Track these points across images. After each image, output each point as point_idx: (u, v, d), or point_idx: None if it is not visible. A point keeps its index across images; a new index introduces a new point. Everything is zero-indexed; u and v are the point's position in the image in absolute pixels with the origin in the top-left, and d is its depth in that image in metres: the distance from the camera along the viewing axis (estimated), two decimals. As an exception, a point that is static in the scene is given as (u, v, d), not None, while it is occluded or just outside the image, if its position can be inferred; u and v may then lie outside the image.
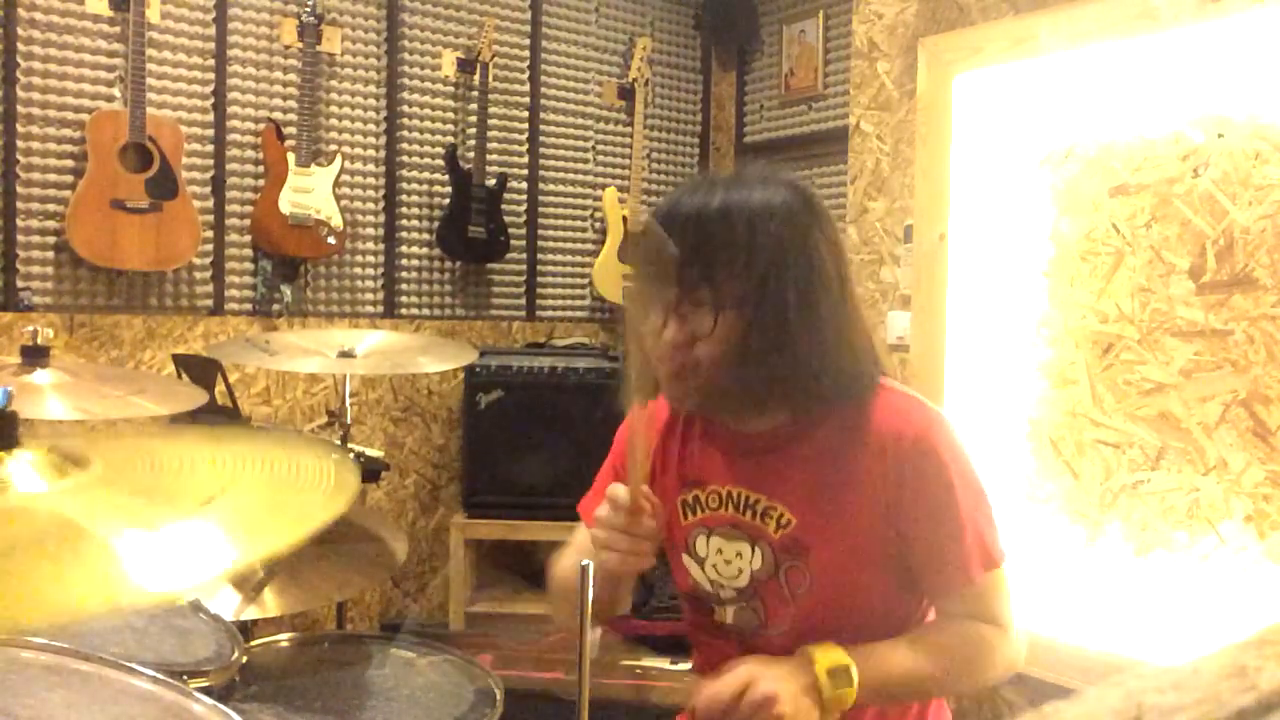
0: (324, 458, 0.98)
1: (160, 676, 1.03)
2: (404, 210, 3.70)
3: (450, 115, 3.78)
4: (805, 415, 1.27)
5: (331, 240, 3.41)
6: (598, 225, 4.12)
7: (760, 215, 1.18)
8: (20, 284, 3.05)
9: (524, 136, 3.93)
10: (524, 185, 3.94)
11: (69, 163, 3.09)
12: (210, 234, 3.31)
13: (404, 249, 3.71)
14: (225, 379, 2.93)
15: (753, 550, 1.29)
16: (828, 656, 1.17)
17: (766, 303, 1.18)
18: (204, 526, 0.84)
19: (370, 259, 3.65)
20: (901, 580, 1.27)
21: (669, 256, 1.18)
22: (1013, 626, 1.26)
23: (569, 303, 4.09)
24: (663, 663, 3.16)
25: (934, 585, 1.27)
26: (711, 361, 1.20)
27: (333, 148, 3.50)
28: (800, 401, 1.25)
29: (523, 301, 3.98)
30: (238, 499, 0.91)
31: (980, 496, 1.25)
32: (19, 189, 3.04)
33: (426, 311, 3.77)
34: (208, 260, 3.33)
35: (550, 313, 4.04)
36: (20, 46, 3.03)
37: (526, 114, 3.93)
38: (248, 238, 3.39)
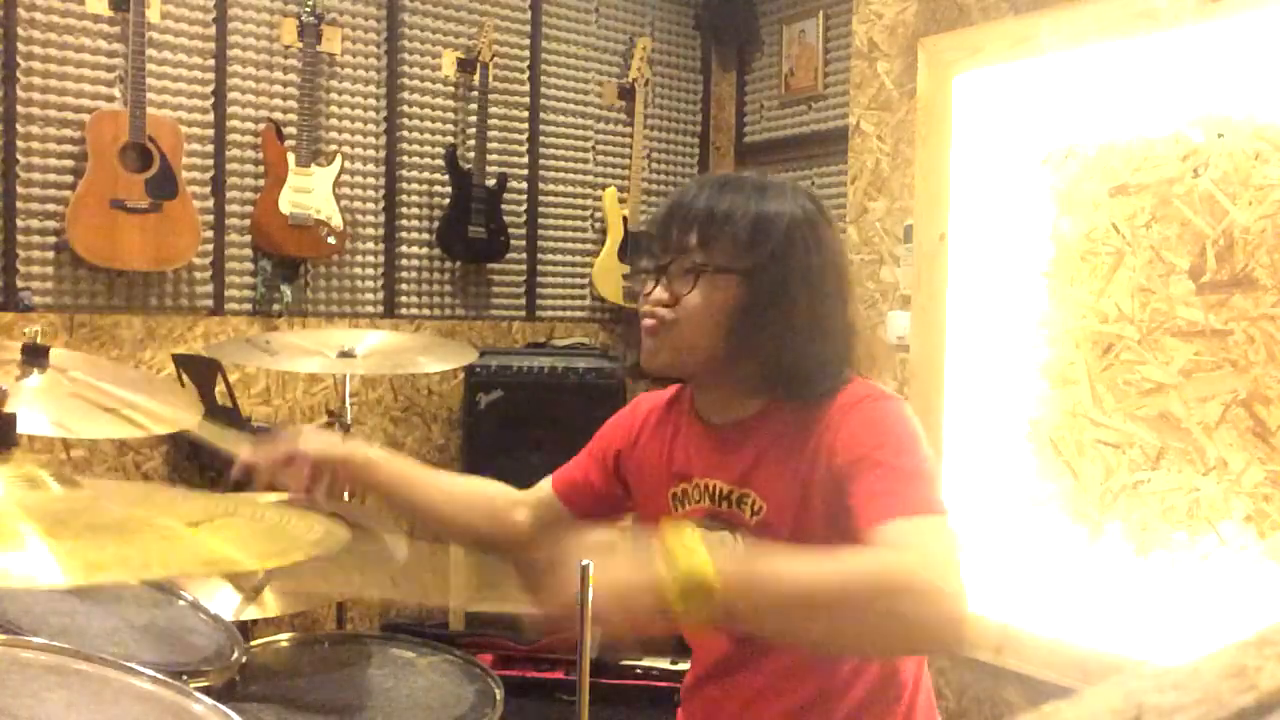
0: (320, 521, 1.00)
1: (160, 676, 1.03)
2: (404, 210, 3.70)
3: (450, 115, 3.77)
4: (765, 403, 1.29)
5: (331, 240, 3.41)
6: (598, 225, 4.12)
7: (771, 203, 1.26)
8: (20, 284, 3.05)
9: (524, 136, 3.93)
10: (524, 185, 3.94)
11: (69, 163, 3.09)
12: (210, 234, 3.31)
13: (404, 249, 3.70)
14: (225, 379, 2.93)
15: (733, 538, 1.32)
16: (689, 564, 1.01)
17: (751, 277, 1.24)
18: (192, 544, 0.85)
19: (370, 259, 3.64)
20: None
21: (675, 223, 1.27)
22: (949, 576, 1.05)
23: (569, 303, 4.09)
24: (662, 663, 3.16)
25: (860, 521, 1.15)
26: (686, 320, 1.26)
27: (333, 148, 3.50)
28: (757, 383, 1.29)
29: (523, 301, 3.98)
30: (226, 526, 0.92)
31: (918, 452, 1.20)
32: (19, 189, 3.04)
33: (426, 311, 3.77)
34: (208, 260, 3.33)
35: (550, 313, 4.04)
36: (20, 46, 3.03)
37: (526, 114, 3.93)
38: (248, 238, 3.39)
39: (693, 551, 1.02)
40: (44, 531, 0.83)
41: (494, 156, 3.81)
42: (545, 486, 1.54)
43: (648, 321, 1.28)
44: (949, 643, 1.06)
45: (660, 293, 1.27)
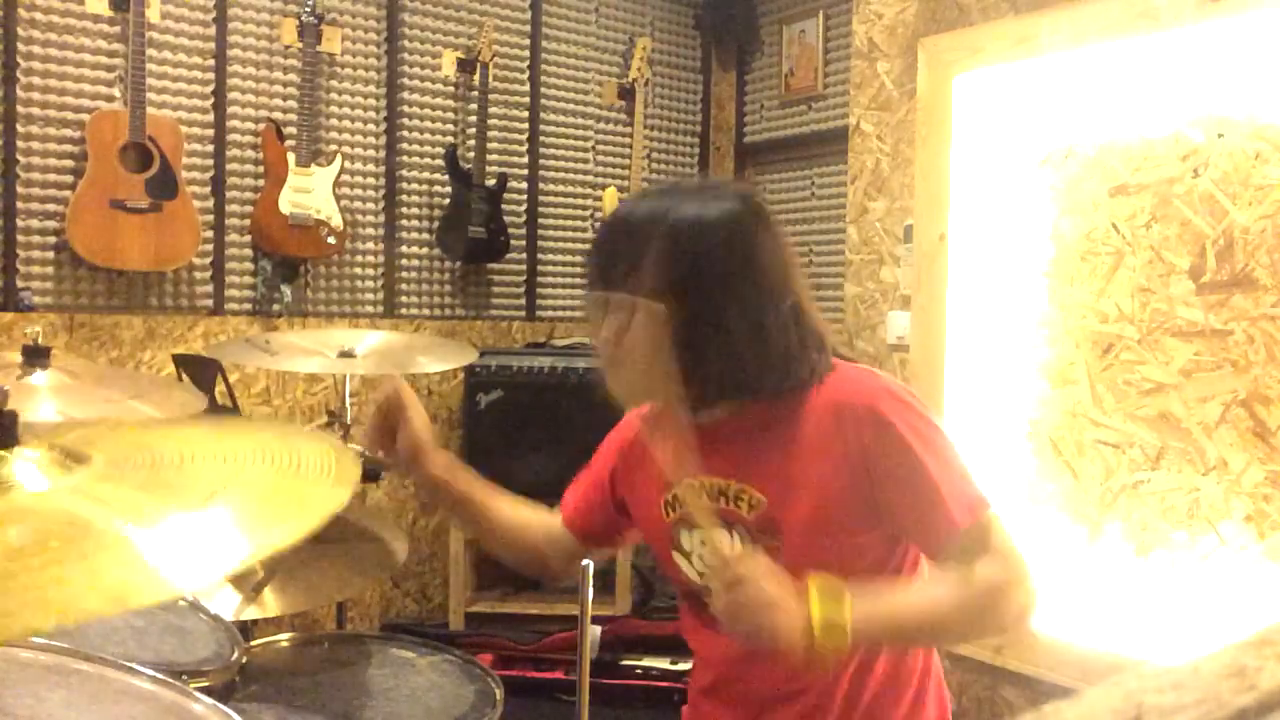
0: (324, 450, 0.98)
1: (160, 676, 1.03)
2: (404, 210, 3.70)
3: (450, 115, 3.78)
4: (739, 403, 1.31)
5: (331, 240, 3.41)
6: (598, 225, 4.12)
7: (684, 219, 1.26)
8: (20, 284, 3.05)
9: (524, 136, 3.93)
10: (524, 185, 3.94)
11: (69, 163, 3.09)
12: (210, 234, 3.31)
13: (404, 249, 3.71)
14: (225, 379, 2.93)
15: (731, 535, 1.32)
16: (829, 605, 1.12)
17: (679, 296, 1.24)
18: (211, 521, 0.84)
19: (370, 259, 3.64)
20: (878, 543, 1.29)
21: (602, 256, 1.30)
22: (1018, 565, 1.22)
23: (569, 303, 4.09)
24: (662, 663, 3.16)
25: (924, 546, 1.29)
26: (633, 352, 1.27)
27: (333, 148, 3.50)
28: (730, 393, 1.30)
29: (523, 301, 3.98)
30: (243, 493, 0.91)
31: (945, 451, 1.25)
32: (19, 189, 3.04)
33: (426, 311, 3.77)
34: (208, 260, 3.33)
35: (550, 313, 4.04)
36: (20, 46, 3.03)
37: (526, 114, 3.93)
38: (248, 238, 3.39)
39: (833, 591, 1.13)
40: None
41: (494, 156, 3.81)
42: (556, 520, 1.54)
43: (606, 361, 1.31)
44: (1029, 620, 1.23)
45: (606, 330, 1.29)
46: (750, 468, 1.30)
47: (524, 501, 1.59)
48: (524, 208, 3.94)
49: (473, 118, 3.75)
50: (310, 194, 3.38)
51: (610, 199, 4.03)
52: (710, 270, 1.24)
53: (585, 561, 1.00)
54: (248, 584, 1.64)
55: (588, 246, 4.09)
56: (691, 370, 1.27)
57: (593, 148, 4.11)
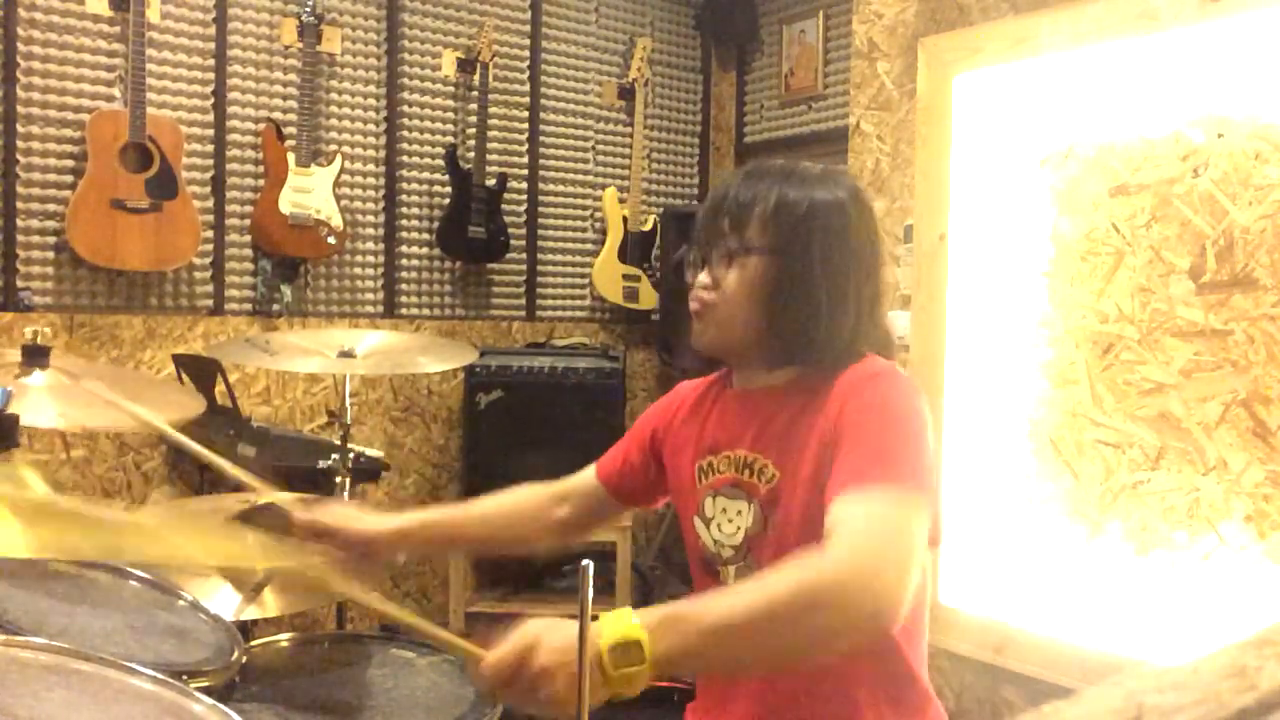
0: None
1: (160, 676, 1.03)
2: (404, 210, 3.70)
3: (450, 115, 3.78)
4: (792, 375, 1.36)
5: (331, 240, 3.41)
6: (598, 225, 4.12)
7: (795, 187, 1.35)
8: (20, 284, 3.06)
9: (524, 136, 3.93)
10: (524, 185, 3.94)
11: (69, 163, 3.09)
12: (210, 234, 3.32)
13: (404, 249, 3.71)
14: (225, 379, 2.93)
15: (748, 507, 1.36)
16: (615, 629, 1.02)
17: (778, 256, 1.32)
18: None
19: (370, 259, 3.65)
20: None
21: (711, 215, 1.38)
22: (889, 551, 1.08)
23: (569, 303, 4.09)
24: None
25: (830, 490, 1.18)
26: (725, 301, 1.34)
27: (333, 148, 3.50)
28: (785, 355, 1.35)
29: (523, 301, 3.98)
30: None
31: (905, 427, 1.22)
32: (19, 189, 3.04)
33: (426, 311, 3.77)
34: (208, 260, 3.33)
35: (550, 313, 4.04)
36: (20, 46, 3.03)
37: (526, 114, 3.93)
38: (248, 238, 3.39)
39: (619, 617, 1.04)
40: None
41: (494, 156, 3.81)
42: (588, 476, 1.59)
43: (694, 305, 1.38)
44: (881, 630, 1.07)
45: (704, 278, 1.37)
46: (770, 441, 1.35)
47: (497, 498, 1.63)
48: (524, 208, 3.94)
49: (473, 118, 3.75)
50: (310, 194, 3.38)
51: (610, 199, 4.03)
52: (814, 238, 1.32)
53: (585, 562, 0.99)
54: (248, 584, 1.64)
55: (588, 245, 4.12)
56: (775, 324, 1.34)
57: (593, 148, 4.11)
